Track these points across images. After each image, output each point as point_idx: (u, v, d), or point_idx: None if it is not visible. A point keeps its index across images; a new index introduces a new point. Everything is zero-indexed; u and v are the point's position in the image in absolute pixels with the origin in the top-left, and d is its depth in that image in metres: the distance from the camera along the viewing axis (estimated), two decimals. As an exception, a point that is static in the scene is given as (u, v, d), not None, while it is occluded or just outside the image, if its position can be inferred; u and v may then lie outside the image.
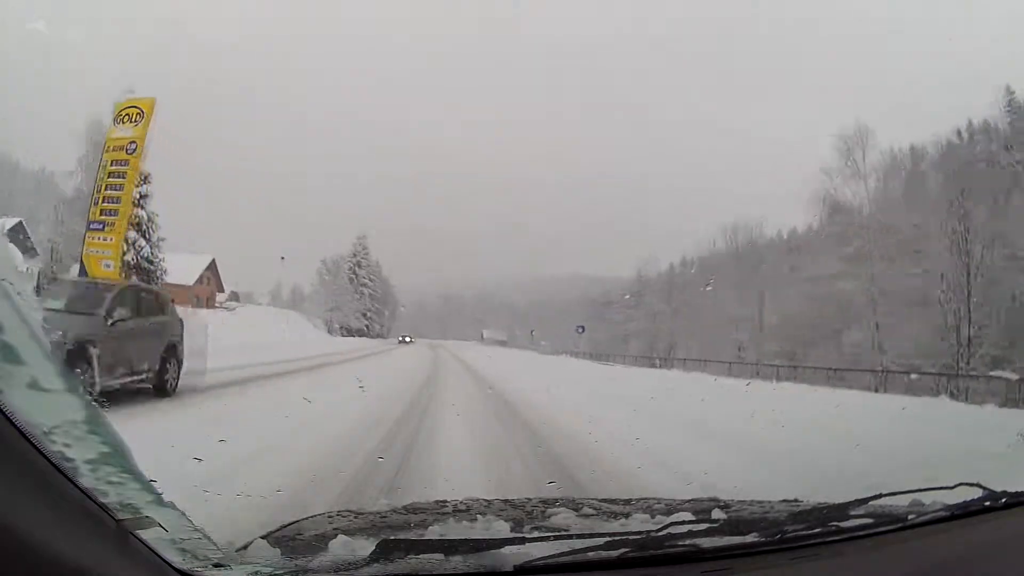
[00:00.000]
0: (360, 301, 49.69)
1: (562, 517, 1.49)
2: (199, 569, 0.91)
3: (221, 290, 44.95)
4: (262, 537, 1.22)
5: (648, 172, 61.82)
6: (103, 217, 13.99)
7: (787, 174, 48.20)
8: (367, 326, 49.93)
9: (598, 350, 37.61)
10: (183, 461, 3.50)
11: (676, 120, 68.71)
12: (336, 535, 1.21)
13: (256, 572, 1.01)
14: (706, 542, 1.13)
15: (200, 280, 42.97)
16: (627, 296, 39.53)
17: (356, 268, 51.01)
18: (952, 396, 15.87)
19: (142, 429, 5.49)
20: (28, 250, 25.44)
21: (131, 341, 7.68)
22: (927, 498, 1.38)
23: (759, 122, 55.95)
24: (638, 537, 1.14)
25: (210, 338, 10.54)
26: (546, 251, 65.66)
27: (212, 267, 44.50)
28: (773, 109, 54.20)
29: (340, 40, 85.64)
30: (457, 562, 1.04)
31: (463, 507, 1.66)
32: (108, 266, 13.71)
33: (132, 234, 21.02)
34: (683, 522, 1.22)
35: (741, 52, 68.90)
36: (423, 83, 78.15)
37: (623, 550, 1.07)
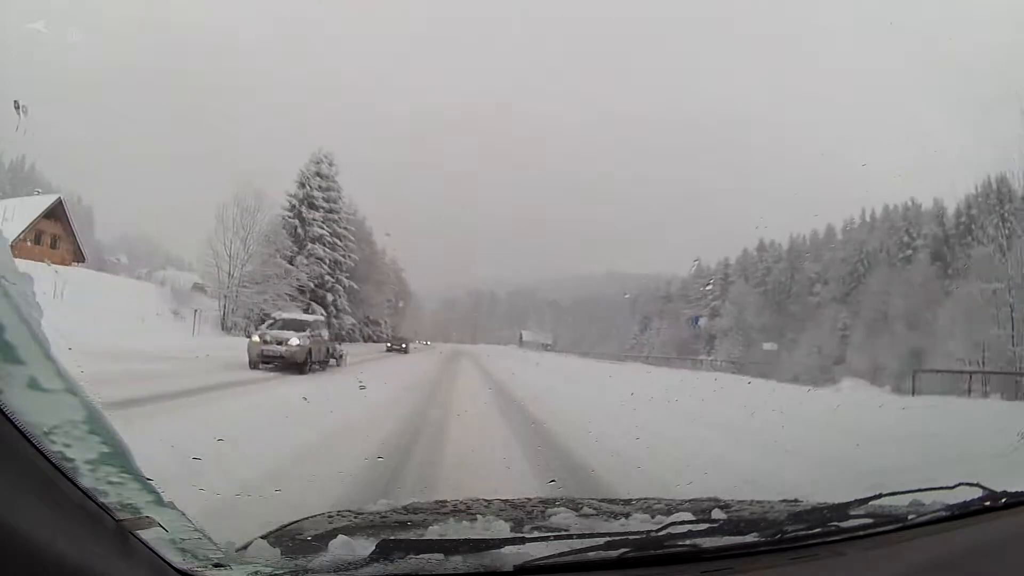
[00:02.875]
0: (307, 267, 24.50)
1: (562, 517, 1.49)
2: (199, 569, 0.91)
3: (80, 259, 26.41)
4: (262, 537, 1.22)
5: (690, 169, 60.75)
6: None
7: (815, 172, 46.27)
8: (334, 321, 23.50)
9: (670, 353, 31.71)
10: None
11: (719, 116, 67.37)
12: (336, 535, 1.21)
13: (256, 572, 1.01)
14: (706, 542, 1.13)
15: (32, 238, 24.22)
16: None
17: (303, 207, 25.40)
18: None
19: None
20: None
21: None
22: (927, 498, 1.38)
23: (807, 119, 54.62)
24: (638, 537, 1.14)
25: None
26: (581, 249, 63.87)
27: (58, 216, 25.66)
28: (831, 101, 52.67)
29: (363, 38, 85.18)
30: (457, 562, 1.04)
31: (463, 507, 1.66)
32: None
33: None
34: (683, 522, 1.22)
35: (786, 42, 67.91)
36: (452, 78, 77.74)
37: (623, 550, 1.07)
